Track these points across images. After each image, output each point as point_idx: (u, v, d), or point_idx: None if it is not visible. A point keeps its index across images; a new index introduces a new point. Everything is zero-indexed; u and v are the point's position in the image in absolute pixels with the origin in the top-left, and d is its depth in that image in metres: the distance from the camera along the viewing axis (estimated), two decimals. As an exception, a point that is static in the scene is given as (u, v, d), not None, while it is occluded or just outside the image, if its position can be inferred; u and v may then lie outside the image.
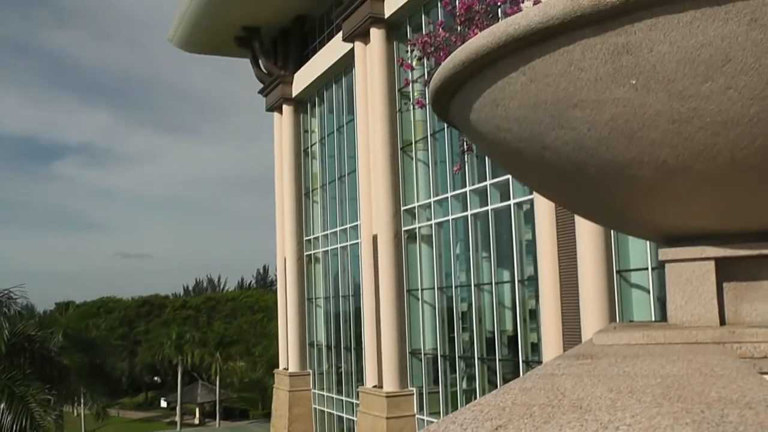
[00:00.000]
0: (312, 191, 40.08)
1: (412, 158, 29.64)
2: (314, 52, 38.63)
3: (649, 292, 18.63)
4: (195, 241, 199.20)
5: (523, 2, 3.88)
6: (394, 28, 30.16)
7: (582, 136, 3.01)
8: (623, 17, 2.68)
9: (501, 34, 2.93)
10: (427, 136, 28.72)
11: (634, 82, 2.76)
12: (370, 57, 30.63)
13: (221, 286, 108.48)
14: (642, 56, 2.71)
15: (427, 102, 3.88)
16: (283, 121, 41.30)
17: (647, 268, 18.53)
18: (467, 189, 25.75)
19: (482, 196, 25.06)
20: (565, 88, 2.89)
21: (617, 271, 19.01)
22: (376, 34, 30.14)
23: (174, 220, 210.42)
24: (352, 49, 32.29)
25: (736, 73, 2.66)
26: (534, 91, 2.99)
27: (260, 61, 42.34)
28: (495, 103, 3.20)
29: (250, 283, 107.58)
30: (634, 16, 2.66)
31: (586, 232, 18.32)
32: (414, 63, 4.74)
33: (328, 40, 36.68)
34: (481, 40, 3.03)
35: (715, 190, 3.15)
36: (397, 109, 29.68)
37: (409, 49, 4.74)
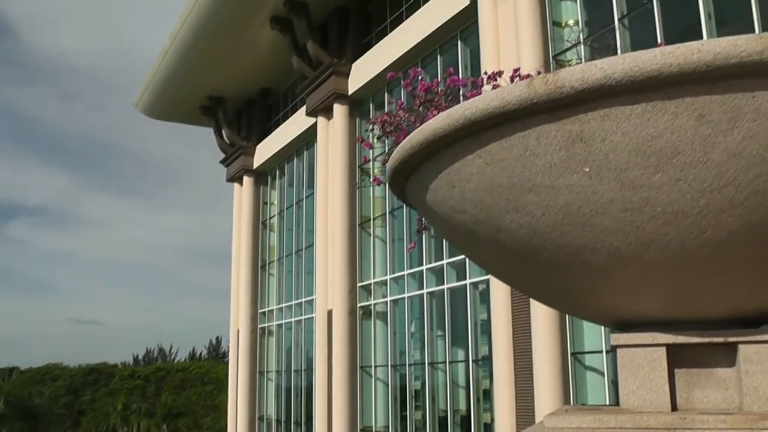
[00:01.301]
0: (269, 264, 39.86)
1: (370, 234, 29.69)
2: (277, 124, 38.88)
3: (603, 375, 18.65)
4: (148, 309, 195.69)
5: (482, 86, 3.96)
6: (357, 105, 30.53)
7: (536, 220, 3.04)
8: (577, 106, 2.75)
9: (458, 117, 2.98)
10: (385, 213, 28.84)
11: (587, 169, 2.81)
12: (333, 132, 30.90)
13: (172, 356, 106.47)
14: (595, 145, 2.77)
15: (385, 180, 3.91)
16: (242, 192, 41.29)
17: (602, 351, 18.58)
18: (424, 267, 25.79)
19: (439, 275, 25.10)
20: (521, 172, 2.94)
21: (572, 353, 19.04)
22: (339, 110, 30.47)
23: (128, 287, 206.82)
24: (315, 124, 32.56)
25: (685, 166, 2.73)
26: (490, 175, 3.04)
27: (223, 131, 42.48)
28: (451, 184, 3.24)
29: (201, 354, 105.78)
30: (587, 106, 2.73)
31: (541, 313, 18.39)
32: (373, 141, 4.79)
33: (292, 113, 36.97)
34: (438, 122, 3.08)
35: (666, 278, 3.18)
36: (357, 185, 29.85)
37: (368, 127, 4.80)
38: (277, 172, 39.53)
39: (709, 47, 2.59)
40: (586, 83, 2.68)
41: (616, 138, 2.74)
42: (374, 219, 29.57)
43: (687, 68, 2.60)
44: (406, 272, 27.07)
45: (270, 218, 40.43)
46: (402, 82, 4.38)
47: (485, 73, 4.03)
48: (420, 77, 4.20)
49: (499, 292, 20.11)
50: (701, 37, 16.14)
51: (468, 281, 23.25)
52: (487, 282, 21.48)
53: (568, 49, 19.70)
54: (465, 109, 2.96)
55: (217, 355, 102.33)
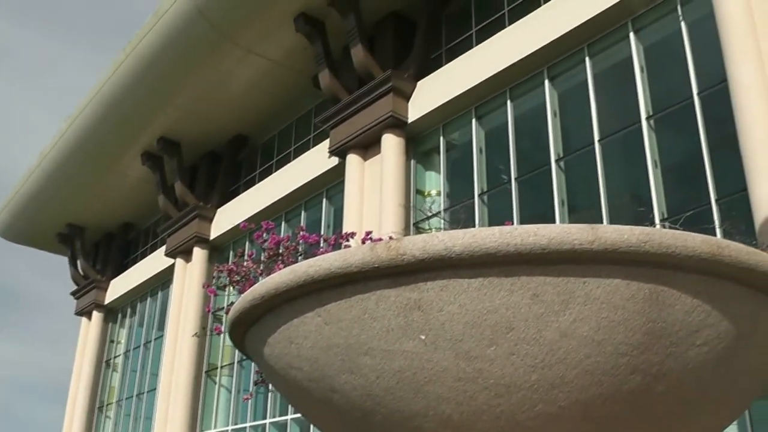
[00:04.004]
0: (107, 405, 37.96)
1: (216, 383, 28.86)
2: (135, 261, 38.00)
3: None
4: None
5: (333, 245, 4.02)
6: (218, 251, 30.27)
7: (370, 383, 3.03)
8: (417, 275, 2.81)
9: (301, 273, 3.00)
10: (233, 363, 28.19)
11: (423, 337, 2.84)
12: (189, 275, 30.38)
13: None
14: (432, 314, 2.81)
15: (225, 330, 3.85)
16: (90, 328, 39.66)
17: None
18: (267, 421, 25.11)
19: (282, 429, 24.47)
20: (358, 334, 2.95)
21: None
22: (199, 253, 30.11)
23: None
24: (173, 265, 31.98)
25: (518, 341, 2.79)
26: (327, 334, 3.03)
27: (78, 262, 41.10)
28: (289, 340, 3.21)
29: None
30: (427, 275, 2.79)
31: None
32: (220, 290, 4.74)
33: (151, 251, 36.27)
34: (281, 276, 3.08)
35: (498, 449, 3.19)
36: (195, 334, 29.08)
37: (216, 275, 4.77)
38: (129, 310, 38.30)
39: (545, 232, 2.71)
40: (427, 253, 2.75)
41: (453, 309, 2.79)
42: (221, 367, 28.83)
43: (523, 249, 2.71)
44: (248, 424, 26.26)
45: (115, 357, 38.82)
46: (254, 234, 4.39)
47: (337, 233, 4.10)
48: (271, 230, 4.22)
49: (342, 453, 19.72)
50: (554, 221, 16.96)
51: (312, 439, 22.74)
52: (331, 442, 21.05)
53: (427, 218, 20.30)
54: (308, 267, 2.98)
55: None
